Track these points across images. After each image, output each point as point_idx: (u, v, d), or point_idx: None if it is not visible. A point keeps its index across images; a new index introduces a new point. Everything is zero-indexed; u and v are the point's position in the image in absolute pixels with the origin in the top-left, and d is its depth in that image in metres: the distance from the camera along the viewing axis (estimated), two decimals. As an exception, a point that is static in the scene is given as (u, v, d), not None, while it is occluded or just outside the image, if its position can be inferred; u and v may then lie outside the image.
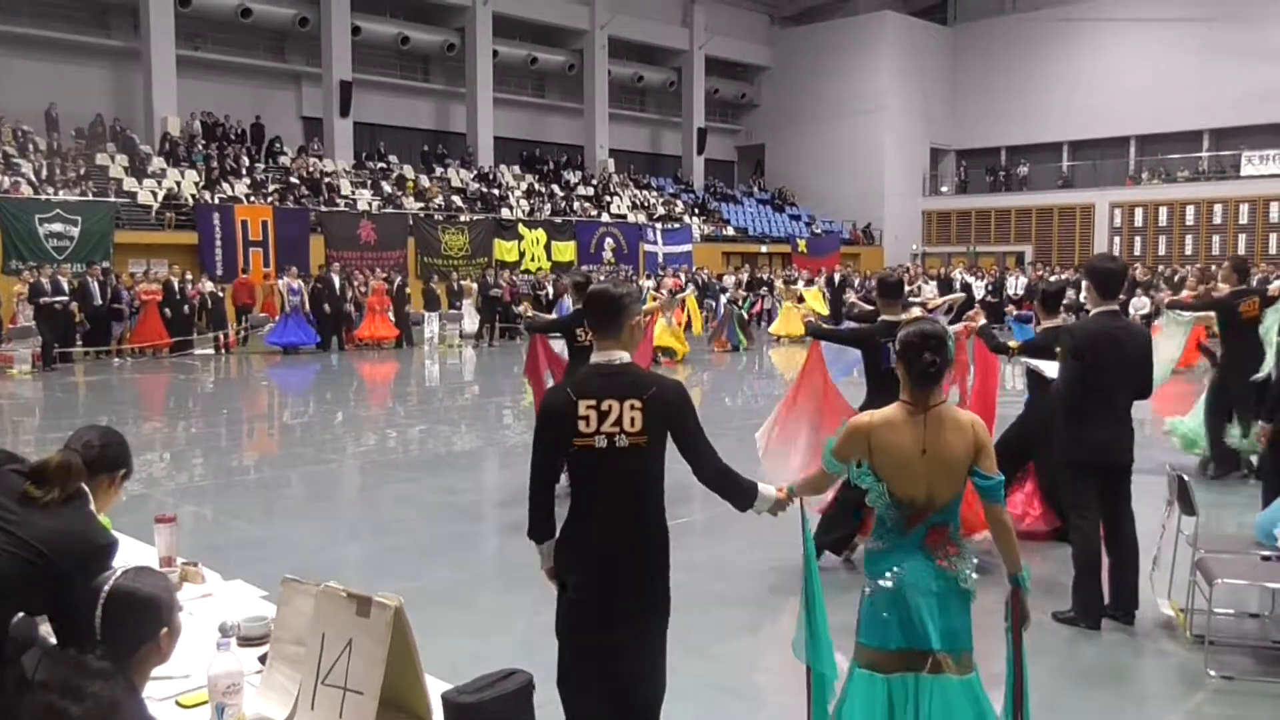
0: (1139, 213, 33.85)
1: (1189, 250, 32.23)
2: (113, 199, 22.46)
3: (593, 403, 3.06)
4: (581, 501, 3.17)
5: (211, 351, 19.81)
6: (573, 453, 3.10)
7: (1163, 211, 33.34)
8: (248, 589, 3.47)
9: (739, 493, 3.27)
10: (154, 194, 23.43)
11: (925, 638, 3.05)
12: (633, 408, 3.05)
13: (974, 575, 3.15)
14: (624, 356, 3.16)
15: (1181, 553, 5.16)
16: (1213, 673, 4.59)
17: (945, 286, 24.44)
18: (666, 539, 3.19)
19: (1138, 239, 33.71)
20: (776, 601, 5.64)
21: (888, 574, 3.12)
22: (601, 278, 11.34)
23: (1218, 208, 32.22)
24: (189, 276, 20.26)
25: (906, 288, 9.31)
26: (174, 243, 22.49)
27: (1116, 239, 33.83)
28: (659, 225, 32.44)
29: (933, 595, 3.07)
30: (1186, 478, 5.05)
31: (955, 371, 6.52)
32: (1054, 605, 5.32)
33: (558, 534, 3.23)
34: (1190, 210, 32.76)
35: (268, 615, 2.91)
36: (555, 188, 33.01)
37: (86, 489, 2.73)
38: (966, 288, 26.08)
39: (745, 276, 28.80)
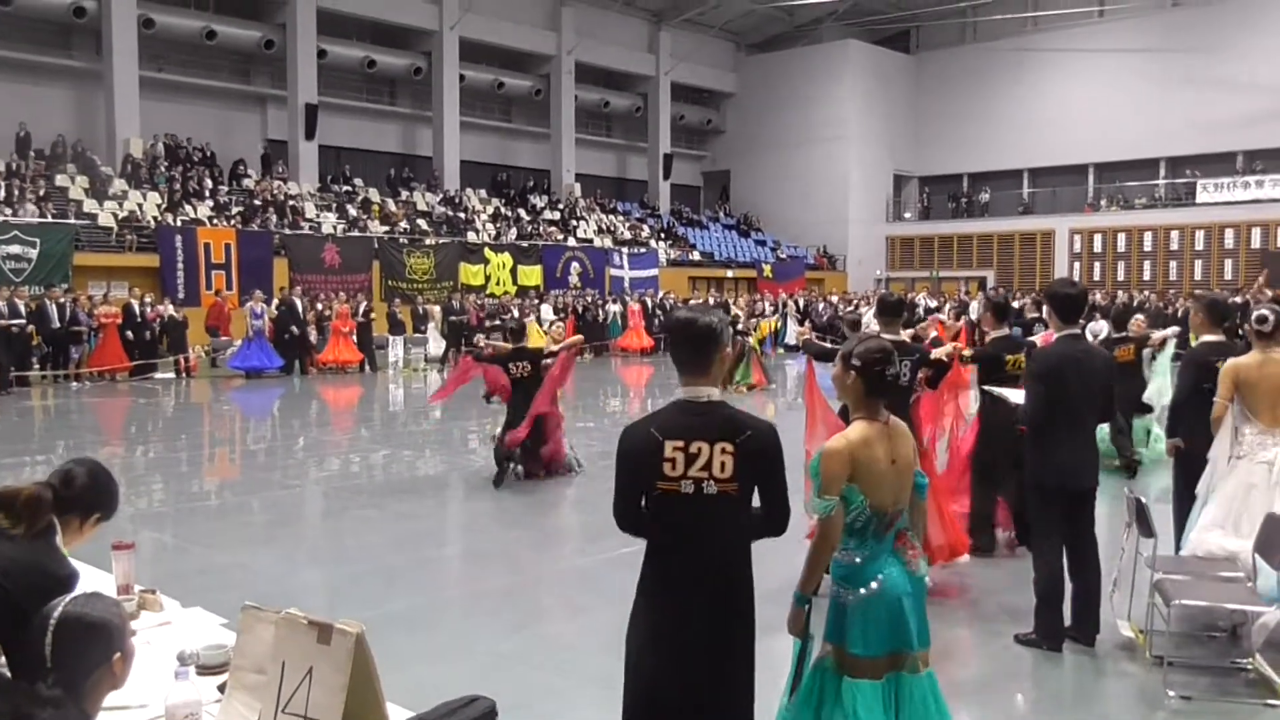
0: (1098, 239, 34.41)
1: (1147, 275, 32.79)
2: (72, 221, 22.21)
3: (680, 444, 2.80)
4: (661, 551, 2.91)
5: (172, 375, 19.57)
6: (655, 496, 2.83)
7: (1121, 237, 33.91)
8: (207, 616, 3.42)
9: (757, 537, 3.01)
10: (115, 216, 23.20)
11: (910, 639, 3.21)
12: (724, 452, 2.79)
13: (929, 574, 3.41)
14: (713, 393, 2.89)
15: (1141, 574, 5.21)
16: (1172, 693, 4.64)
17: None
18: (752, 591, 2.96)
19: (1097, 264, 34.25)
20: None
21: (873, 582, 3.23)
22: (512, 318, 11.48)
23: (1174, 234, 32.82)
24: (148, 299, 20.03)
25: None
26: (135, 265, 22.27)
27: (1076, 264, 34.36)
28: (625, 250, 32.54)
29: (911, 597, 3.24)
30: (1144, 500, 5.12)
31: (950, 395, 6.58)
32: (1016, 628, 5.36)
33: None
34: (1148, 236, 33.36)
35: (227, 643, 2.87)
36: (521, 212, 33.04)
37: (55, 520, 2.68)
38: (929, 311, 26.35)
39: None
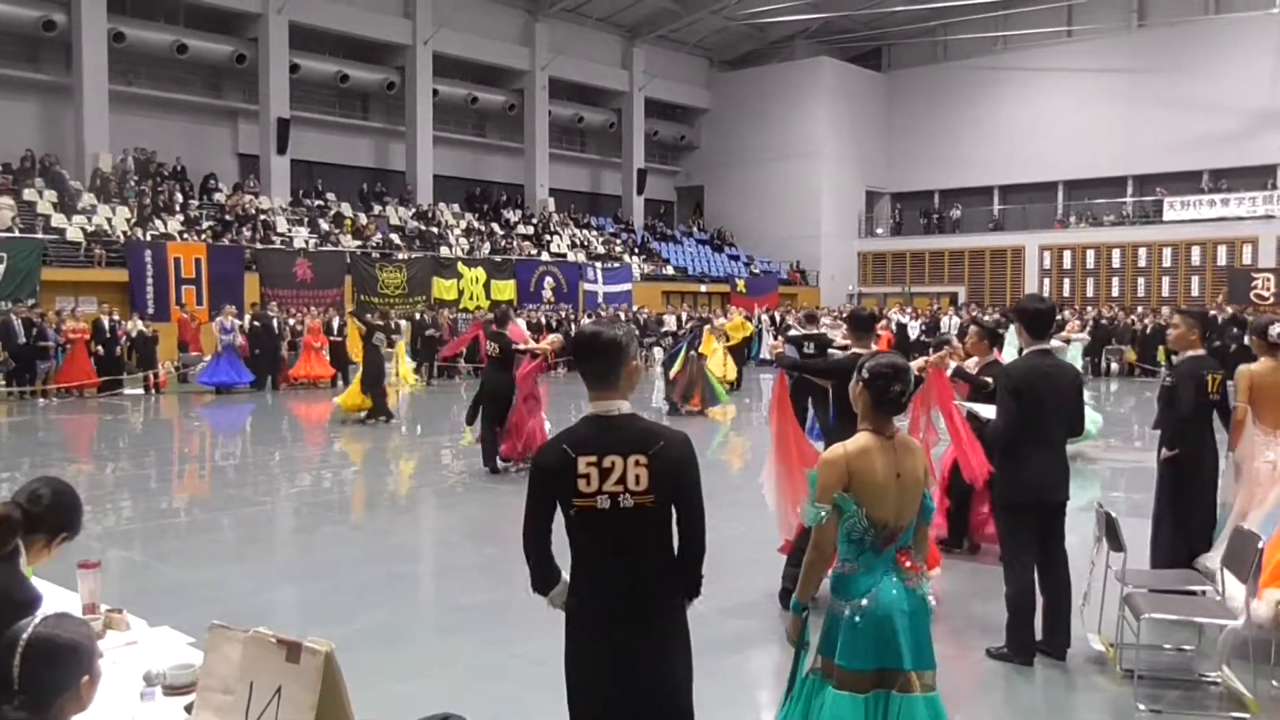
0: (1067, 255, 34.77)
1: (1116, 292, 33.14)
2: (40, 235, 21.98)
3: (593, 459, 2.77)
4: (584, 569, 2.88)
5: (141, 391, 19.38)
6: (572, 514, 2.81)
7: (1090, 254, 34.28)
8: (174, 636, 3.37)
9: (690, 580, 2.97)
10: (83, 230, 22.97)
11: (899, 657, 3.15)
12: (638, 464, 2.77)
13: (932, 595, 3.32)
14: (624, 406, 2.87)
15: (1111, 588, 5.25)
16: (1142, 706, 4.67)
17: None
18: (680, 601, 2.95)
19: (1066, 281, 34.60)
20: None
21: (866, 596, 3.19)
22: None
23: (1142, 251, 33.21)
24: (116, 316, 19.83)
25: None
26: (104, 280, 22.03)
27: (1046, 280, 34.70)
28: (599, 264, 32.56)
29: (905, 614, 3.19)
30: (1114, 514, 5.17)
31: (920, 408, 6.63)
32: (987, 641, 5.39)
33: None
34: (1116, 253, 33.74)
35: (194, 663, 2.83)
36: (495, 226, 33.01)
37: (20, 543, 2.64)
38: (901, 327, 26.57)
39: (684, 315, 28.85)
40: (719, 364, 19.40)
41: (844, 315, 7.00)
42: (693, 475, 2.87)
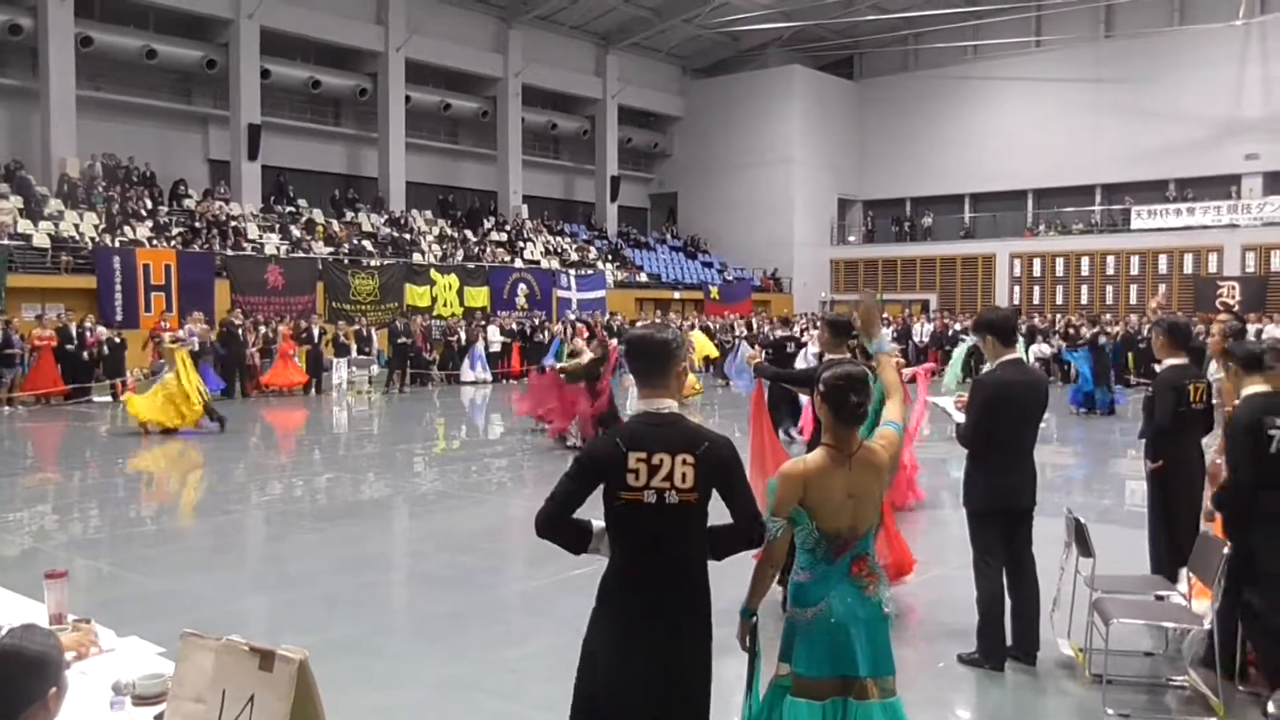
0: (1037, 263, 35.11)
1: (1084, 299, 33.49)
2: (6, 242, 21.71)
3: (643, 455, 2.91)
4: (624, 559, 3.00)
5: (109, 399, 19.16)
6: (618, 506, 2.94)
7: (1059, 262, 34.64)
8: (143, 645, 3.34)
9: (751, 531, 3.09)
10: (50, 236, 22.71)
11: (854, 664, 3.17)
12: (685, 463, 2.91)
13: (891, 602, 3.32)
14: (671, 405, 3.02)
15: (1080, 593, 5.30)
16: (1110, 711, 4.71)
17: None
18: (709, 597, 3.05)
19: (1036, 288, 34.93)
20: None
21: (820, 603, 3.21)
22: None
23: (1110, 259, 33.59)
24: (88, 323, 19.59)
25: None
26: (71, 287, 21.77)
27: (1016, 288, 35.03)
28: (572, 271, 32.53)
29: (860, 622, 3.20)
30: (1083, 520, 5.22)
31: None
32: (958, 647, 5.43)
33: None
34: (1085, 261, 34.11)
35: (164, 673, 2.81)
36: (468, 233, 32.92)
37: None
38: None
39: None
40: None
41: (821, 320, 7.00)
42: (739, 474, 3.02)
